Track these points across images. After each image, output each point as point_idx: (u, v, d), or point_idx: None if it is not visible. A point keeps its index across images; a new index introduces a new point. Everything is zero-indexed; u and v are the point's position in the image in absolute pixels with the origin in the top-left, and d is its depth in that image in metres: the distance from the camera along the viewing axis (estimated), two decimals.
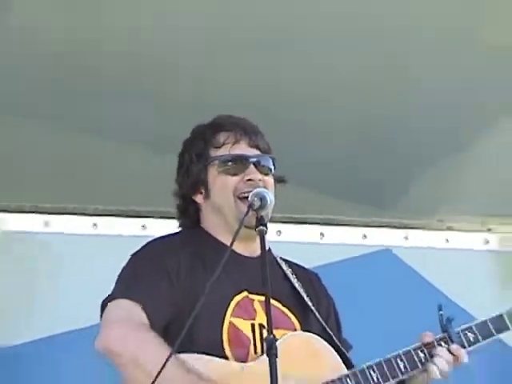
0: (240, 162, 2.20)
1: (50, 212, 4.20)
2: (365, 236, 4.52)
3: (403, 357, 2.18)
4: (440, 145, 4.21)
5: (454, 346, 2.21)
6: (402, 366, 2.16)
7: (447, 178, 4.35)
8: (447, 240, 4.66)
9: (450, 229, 4.68)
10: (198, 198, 2.25)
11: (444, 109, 3.99)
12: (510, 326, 2.50)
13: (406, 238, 4.59)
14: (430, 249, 4.63)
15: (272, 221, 2.17)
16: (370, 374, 2.13)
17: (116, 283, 2.14)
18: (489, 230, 4.70)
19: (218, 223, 2.22)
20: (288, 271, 2.32)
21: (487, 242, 4.68)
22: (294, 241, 4.27)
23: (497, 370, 4.33)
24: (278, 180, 2.27)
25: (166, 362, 1.76)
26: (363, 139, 4.10)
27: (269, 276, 1.88)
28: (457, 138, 4.18)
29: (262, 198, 2.00)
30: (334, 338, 2.23)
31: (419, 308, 3.63)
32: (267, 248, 2.06)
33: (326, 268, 3.52)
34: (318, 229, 4.39)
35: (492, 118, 4.05)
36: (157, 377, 1.75)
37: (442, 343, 2.23)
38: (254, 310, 2.12)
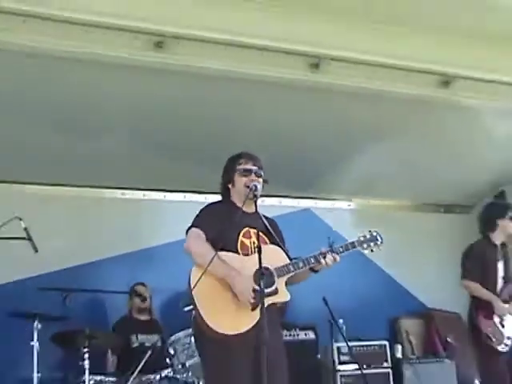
0: (248, 172, 4.24)
1: None
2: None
3: (313, 257, 4.06)
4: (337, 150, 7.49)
5: (334, 254, 4.12)
6: (312, 260, 4.07)
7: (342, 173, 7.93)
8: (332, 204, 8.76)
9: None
10: (230, 186, 4.32)
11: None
12: (357, 244, 4.24)
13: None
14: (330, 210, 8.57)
15: None
16: (297, 263, 4.05)
17: (193, 220, 4.09)
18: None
19: (237, 197, 4.24)
20: (263, 219, 4.29)
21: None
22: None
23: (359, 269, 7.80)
24: (264, 180, 4.24)
25: (213, 256, 3.73)
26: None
27: (258, 221, 4.15)
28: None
29: (256, 186, 4.10)
30: (285, 250, 4.22)
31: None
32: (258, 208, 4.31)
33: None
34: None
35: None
36: (210, 263, 3.70)
37: (329, 252, 4.10)
38: (251, 235, 4.10)
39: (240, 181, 4.28)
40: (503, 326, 5.83)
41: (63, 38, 4.93)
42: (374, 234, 4.30)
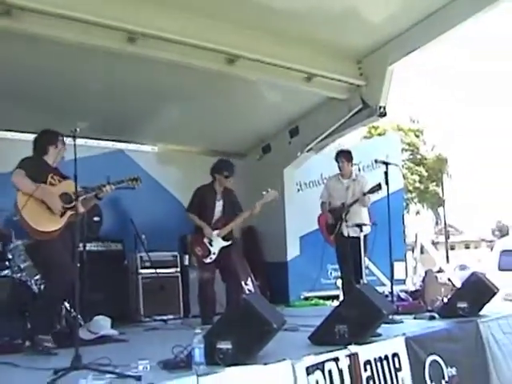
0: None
1: None
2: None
3: (97, 186, 5.84)
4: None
5: (111, 185, 5.88)
6: (96, 188, 5.86)
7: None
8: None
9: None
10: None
11: None
12: (124, 180, 5.99)
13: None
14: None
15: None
16: (87, 189, 5.76)
17: (18, 163, 5.73)
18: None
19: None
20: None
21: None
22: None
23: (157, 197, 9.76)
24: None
25: (38, 186, 5.63)
26: None
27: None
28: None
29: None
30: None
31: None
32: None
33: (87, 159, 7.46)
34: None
35: None
36: (36, 190, 5.61)
37: (108, 184, 5.90)
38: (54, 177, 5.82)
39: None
40: (211, 245, 7.92)
41: None
42: (137, 176, 6.15)
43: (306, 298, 10.84)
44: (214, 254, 7.90)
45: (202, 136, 10.39)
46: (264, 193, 7.99)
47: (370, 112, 9.29)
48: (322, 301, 10.71)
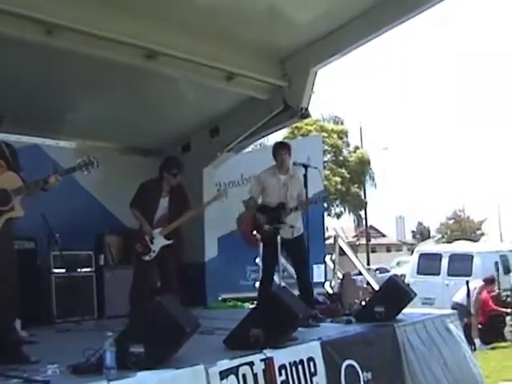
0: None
1: None
2: None
3: (42, 179, 5.04)
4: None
5: (57, 175, 5.13)
6: (41, 181, 5.05)
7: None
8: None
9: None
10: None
11: None
12: (77, 167, 5.34)
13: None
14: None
15: None
16: (29, 184, 4.99)
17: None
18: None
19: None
20: (4, 147, 5.11)
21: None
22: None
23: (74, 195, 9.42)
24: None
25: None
26: None
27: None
28: None
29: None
30: (21, 176, 5.08)
31: None
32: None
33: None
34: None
35: None
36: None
37: (54, 174, 5.09)
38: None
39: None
40: (152, 243, 7.70)
41: None
42: (92, 158, 5.41)
43: (224, 300, 10.86)
44: (153, 251, 7.72)
45: (120, 132, 10.32)
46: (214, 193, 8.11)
47: (291, 113, 9.39)
48: (240, 303, 10.71)
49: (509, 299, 13.93)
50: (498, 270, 14.98)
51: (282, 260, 8.33)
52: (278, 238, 7.68)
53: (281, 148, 8.04)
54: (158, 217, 7.86)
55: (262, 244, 8.16)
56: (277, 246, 7.70)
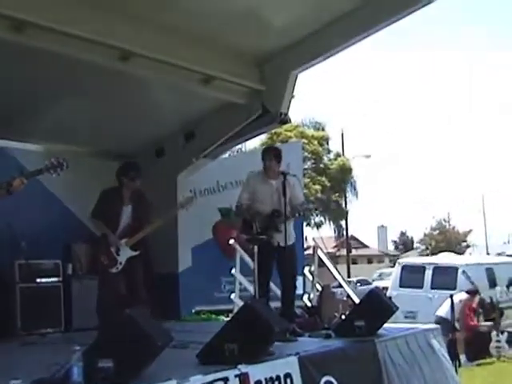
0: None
1: None
2: None
3: (6, 182, 5.21)
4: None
5: (23, 177, 5.41)
6: (4, 184, 5.27)
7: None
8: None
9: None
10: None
11: None
12: (44, 169, 5.51)
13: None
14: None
15: None
16: None
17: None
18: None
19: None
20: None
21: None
22: None
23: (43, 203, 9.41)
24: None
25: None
26: None
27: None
28: None
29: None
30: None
31: None
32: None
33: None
34: None
35: None
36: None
37: (19, 177, 5.31)
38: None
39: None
40: (118, 255, 7.60)
41: None
42: (61, 160, 5.54)
43: (198, 313, 10.78)
44: (120, 263, 7.64)
45: (91, 136, 10.19)
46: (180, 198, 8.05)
47: (270, 118, 9.35)
48: (214, 315, 10.64)
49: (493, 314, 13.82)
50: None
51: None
52: (274, 244, 7.64)
53: (268, 153, 7.91)
54: (123, 226, 7.81)
55: (256, 252, 7.65)
56: (271, 254, 7.64)
